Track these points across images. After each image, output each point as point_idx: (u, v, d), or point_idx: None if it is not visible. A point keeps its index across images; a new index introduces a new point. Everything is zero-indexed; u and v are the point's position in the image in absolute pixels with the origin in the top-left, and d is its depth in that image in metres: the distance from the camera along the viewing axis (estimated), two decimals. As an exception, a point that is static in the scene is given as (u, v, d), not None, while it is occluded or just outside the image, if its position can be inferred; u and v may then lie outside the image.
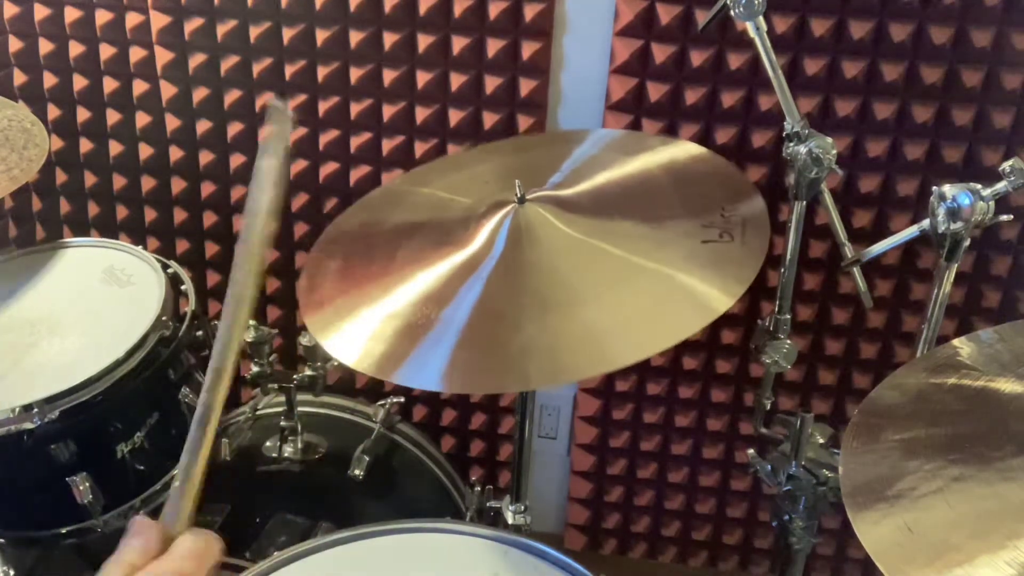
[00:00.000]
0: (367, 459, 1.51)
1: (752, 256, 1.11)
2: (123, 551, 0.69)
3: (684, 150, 1.35)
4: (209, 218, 1.84)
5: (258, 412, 1.60)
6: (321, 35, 1.64)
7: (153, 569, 0.68)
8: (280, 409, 1.54)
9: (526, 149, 1.49)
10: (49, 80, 1.77)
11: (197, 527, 0.73)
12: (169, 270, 1.39)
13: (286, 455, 1.52)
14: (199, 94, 1.73)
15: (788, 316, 1.33)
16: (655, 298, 1.08)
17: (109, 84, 1.76)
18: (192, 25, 1.67)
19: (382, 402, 1.63)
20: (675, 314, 1.05)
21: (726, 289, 1.06)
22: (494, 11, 1.57)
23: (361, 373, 1.90)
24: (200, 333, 1.38)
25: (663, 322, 1.04)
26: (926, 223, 1.11)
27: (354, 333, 1.10)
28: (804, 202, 1.24)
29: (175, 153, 1.80)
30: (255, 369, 1.49)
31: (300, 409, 1.54)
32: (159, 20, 1.68)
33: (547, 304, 1.07)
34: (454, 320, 1.07)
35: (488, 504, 1.49)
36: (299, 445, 1.53)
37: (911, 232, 1.16)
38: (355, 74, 1.66)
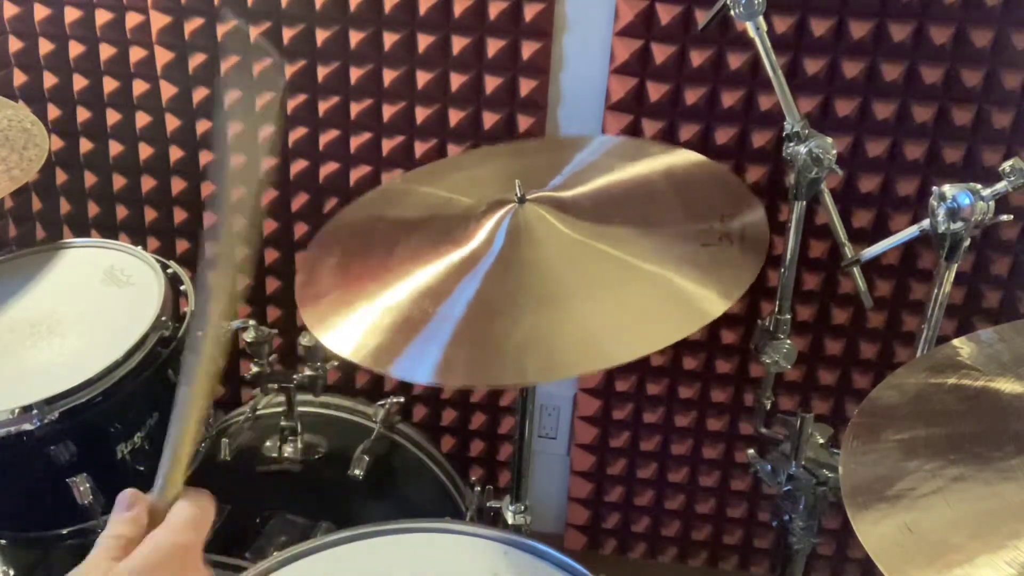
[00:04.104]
0: (367, 459, 1.52)
1: (750, 260, 1.11)
2: (115, 524, 0.67)
3: (684, 157, 1.36)
4: (209, 218, 1.84)
5: (258, 412, 1.60)
6: (321, 35, 1.64)
7: (150, 542, 0.66)
8: (280, 409, 1.54)
9: (527, 154, 1.50)
10: (49, 80, 1.77)
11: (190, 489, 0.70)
12: (169, 270, 1.39)
13: (286, 455, 1.52)
14: (199, 94, 1.73)
15: (788, 316, 1.33)
16: (651, 299, 1.08)
17: (109, 84, 1.76)
18: (192, 25, 1.67)
19: (382, 402, 1.63)
20: (670, 316, 1.06)
21: (722, 293, 1.06)
22: (494, 11, 1.57)
23: (361, 372, 1.92)
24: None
25: (658, 323, 1.05)
26: (926, 223, 1.11)
27: (351, 326, 1.10)
28: (804, 202, 1.24)
29: (175, 153, 1.80)
30: (255, 369, 1.49)
31: (300, 409, 1.54)
32: (159, 20, 1.68)
33: (544, 301, 1.08)
34: (451, 315, 1.07)
35: (488, 504, 1.49)
36: (299, 445, 1.53)
37: (911, 232, 1.16)
38: (355, 74, 1.66)
